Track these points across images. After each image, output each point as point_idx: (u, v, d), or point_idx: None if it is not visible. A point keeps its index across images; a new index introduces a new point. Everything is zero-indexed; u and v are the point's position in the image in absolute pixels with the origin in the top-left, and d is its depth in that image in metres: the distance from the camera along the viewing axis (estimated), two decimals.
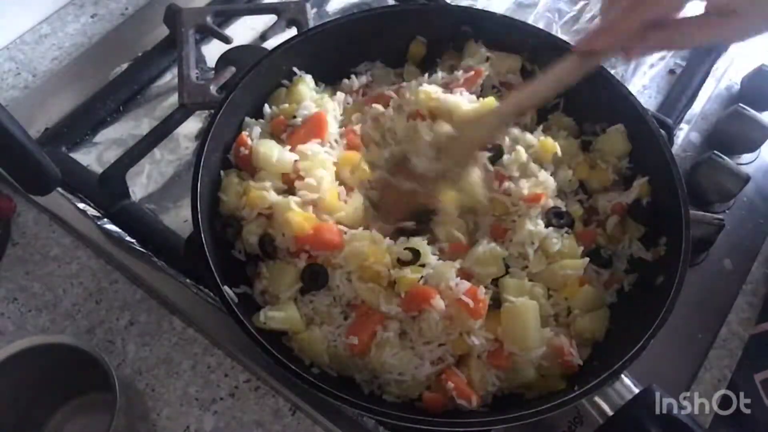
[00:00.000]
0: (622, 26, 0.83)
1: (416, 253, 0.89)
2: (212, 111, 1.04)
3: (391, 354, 0.87)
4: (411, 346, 0.89)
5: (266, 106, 1.05)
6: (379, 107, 1.06)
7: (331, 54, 1.10)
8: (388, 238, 0.91)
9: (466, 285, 0.87)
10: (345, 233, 0.91)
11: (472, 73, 1.08)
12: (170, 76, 1.32)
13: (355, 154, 1.01)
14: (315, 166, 0.94)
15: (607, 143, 1.06)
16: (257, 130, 1.00)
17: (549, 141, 1.02)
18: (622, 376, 0.84)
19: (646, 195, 1.00)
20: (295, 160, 0.96)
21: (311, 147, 0.96)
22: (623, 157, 1.05)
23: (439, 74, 1.09)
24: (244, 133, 0.99)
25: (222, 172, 0.98)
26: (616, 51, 0.88)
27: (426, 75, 1.10)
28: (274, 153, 0.95)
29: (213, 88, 1.15)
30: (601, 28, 0.86)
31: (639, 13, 0.81)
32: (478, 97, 1.07)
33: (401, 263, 0.89)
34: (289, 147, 0.98)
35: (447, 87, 1.09)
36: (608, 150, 1.06)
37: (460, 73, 1.08)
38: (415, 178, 0.95)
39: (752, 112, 1.24)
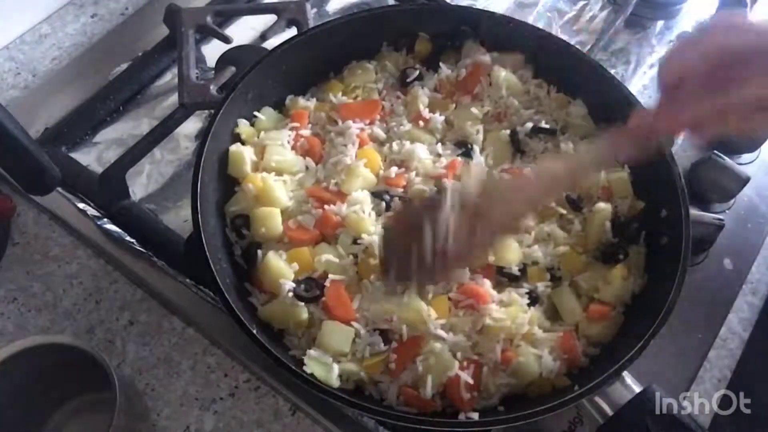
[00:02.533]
0: (694, 111, 0.68)
1: None
2: (212, 111, 1.04)
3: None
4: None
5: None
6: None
7: (330, 54, 1.10)
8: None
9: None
10: None
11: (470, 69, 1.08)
12: (170, 76, 1.32)
13: (372, 151, 1.03)
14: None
15: None
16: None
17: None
18: (623, 375, 0.84)
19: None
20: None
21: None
22: None
23: (443, 72, 1.11)
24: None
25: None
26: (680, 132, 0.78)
27: (435, 75, 1.11)
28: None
29: (213, 88, 1.15)
30: (667, 110, 0.72)
31: (720, 99, 0.66)
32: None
33: None
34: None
35: (448, 93, 1.09)
36: None
37: (463, 71, 1.09)
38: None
39: None
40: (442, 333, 0.88)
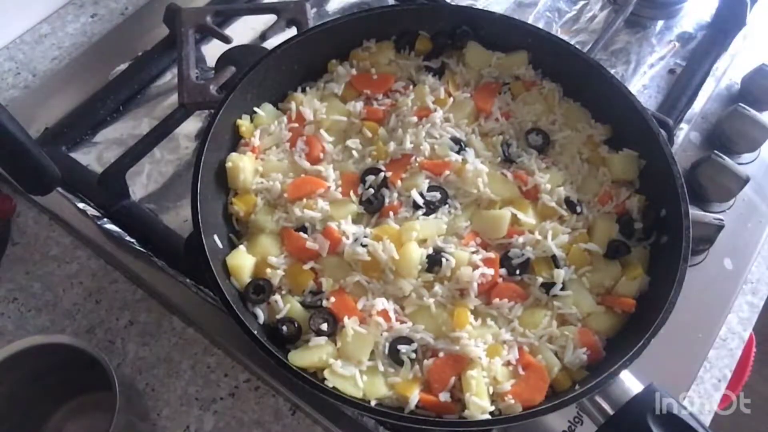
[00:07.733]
0: None
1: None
2: (212, 111, 1.04)
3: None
4: None
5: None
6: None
7: (330, 54, 1.11)
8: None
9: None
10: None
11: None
12: (170, 76, 1.32)
13: (375, 125, 1.04)
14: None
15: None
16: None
17: None
18: (623, 375, 0.84)
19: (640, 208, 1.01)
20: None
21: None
22: None
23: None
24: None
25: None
26: None
27: (430, 75, 1.11)
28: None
29: (213, 88, 1.15)
30: None
31: None
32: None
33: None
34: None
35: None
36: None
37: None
38: None
39: (752, 112, 1.24)
40: (479, 353, 0.86)
